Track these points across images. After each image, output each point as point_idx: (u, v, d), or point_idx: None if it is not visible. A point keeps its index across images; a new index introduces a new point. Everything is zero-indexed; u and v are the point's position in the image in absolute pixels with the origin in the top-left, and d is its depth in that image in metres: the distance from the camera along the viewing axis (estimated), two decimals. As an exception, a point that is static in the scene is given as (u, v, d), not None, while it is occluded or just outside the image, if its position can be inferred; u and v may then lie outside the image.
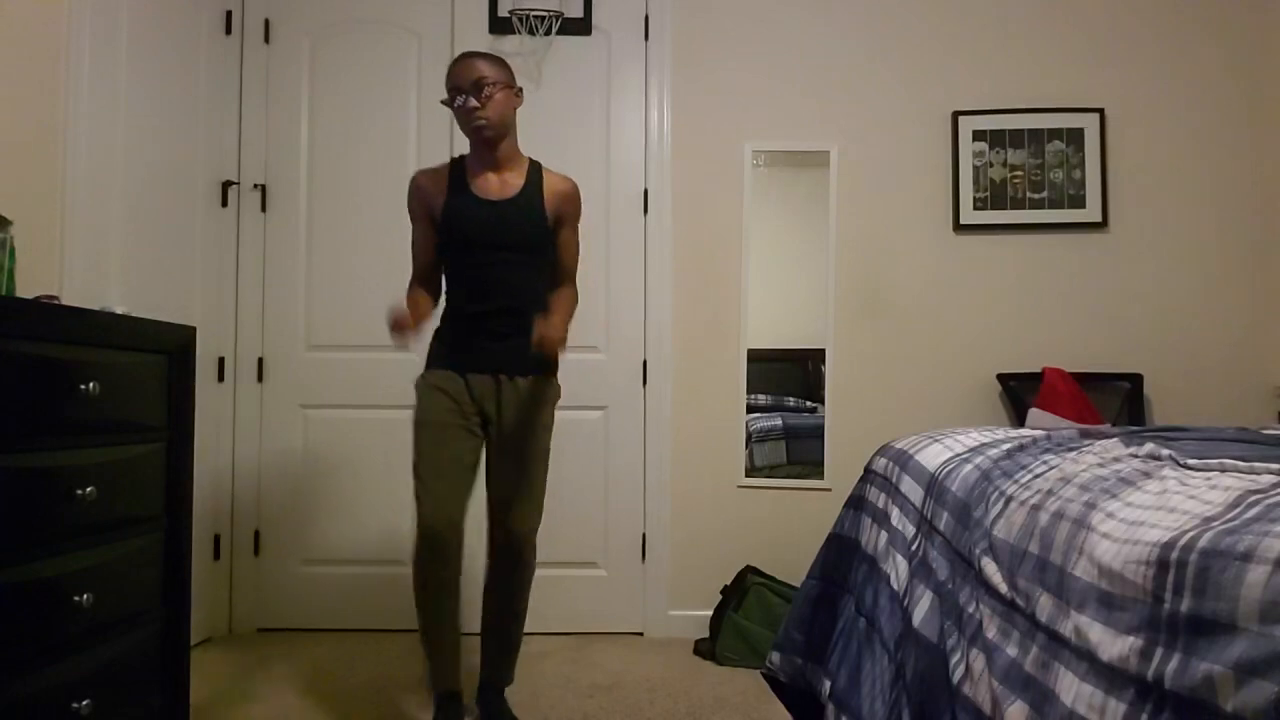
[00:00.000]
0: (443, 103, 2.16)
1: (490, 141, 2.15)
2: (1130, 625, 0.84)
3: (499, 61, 2.16)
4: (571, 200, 2.24)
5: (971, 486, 1.38)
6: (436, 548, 2.12)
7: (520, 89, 2.21)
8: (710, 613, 3.03)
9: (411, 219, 2.25)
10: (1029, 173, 3.18)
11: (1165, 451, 1.19)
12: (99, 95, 2.49)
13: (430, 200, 2.20)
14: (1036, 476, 1.24)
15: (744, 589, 2.95)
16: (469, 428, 2.19)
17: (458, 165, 2.22)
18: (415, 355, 3.20)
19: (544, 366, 2.24)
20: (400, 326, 2.00)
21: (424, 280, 2.26)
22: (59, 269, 2.34)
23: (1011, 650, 1.07)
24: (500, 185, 2.18)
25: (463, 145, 3.22)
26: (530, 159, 2.26)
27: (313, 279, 3.25)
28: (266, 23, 3.25)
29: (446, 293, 2.26)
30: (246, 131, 3.24)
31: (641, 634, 3.19)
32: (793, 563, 2.84)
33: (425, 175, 2.23)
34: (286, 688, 2.59)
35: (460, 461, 2.16)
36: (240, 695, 2.52)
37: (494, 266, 2.16)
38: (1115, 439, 1.37)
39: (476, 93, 2.09)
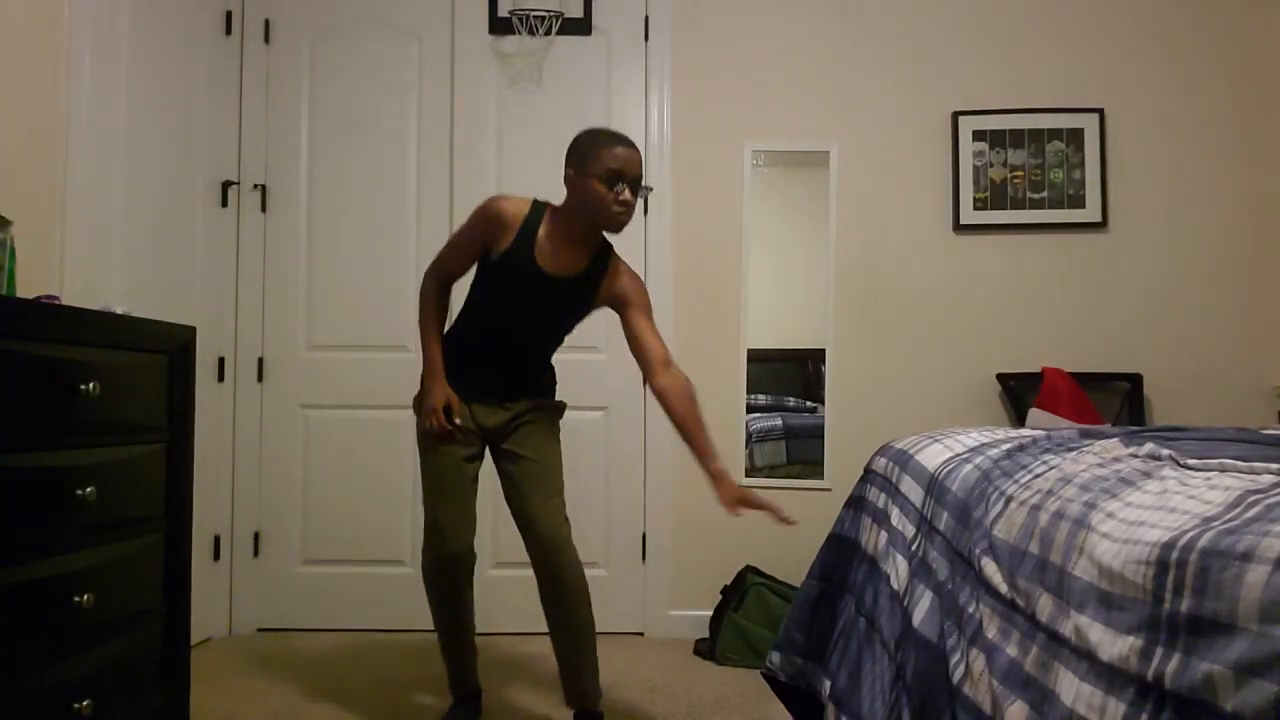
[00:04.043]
0: (589, 177, 1.99)
1: (604, 232, 2.09)
2: (1130, 625, 0.84)
3: None
4: (634, 289, 2.13)
5: (971, 486, 1.38)
6: (442, 572, 2.22)
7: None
8: (710, 613, 3.03)
9: (469, 226, 2.12)
10: (1029, 173, 3.18)
11: (1165, 451, 1.19)
12: (99, 95, 2.49)
13: (498, 235, 2.07)
14: (1036, 476, 1.24)
15: (744, 589, 2.95)
16: (474, 460, 2.20)
17: (536, 213, 2.09)
18: (414, 355, 3.20)
19: (545, 390, 2.26)
20: (435, 415, 2.10)
21: (445, 283, 2.22)
22: (59, 269, 2.34)
23: (1011, 650, 1.07)
24: (564, 261, 2.08)
25: (461, 152, 3.25)
26: (604, 239, 2.13)
27: (313, 279, 3.25)
28: (266, 23, 3.25)
29: (464, 322, 2.23)
30: (246, 131, 3.24)
31: (641, 634, 3.19)
32: (793, 563, 2.83)
33: (508, 206, 2.07)
34: (286, 688, 2.59)
35: (469, 495, 2.20)
36: (240, 695, 2.52)
37: (523, 328, 2.17)
38: (1115, 439, 1.37)
39: (634, 191, 2.01)
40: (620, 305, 2.14)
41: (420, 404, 2.18)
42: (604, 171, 1.97)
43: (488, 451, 2.25)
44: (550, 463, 2.19)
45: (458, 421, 2.13)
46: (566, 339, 2.29)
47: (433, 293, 2.20)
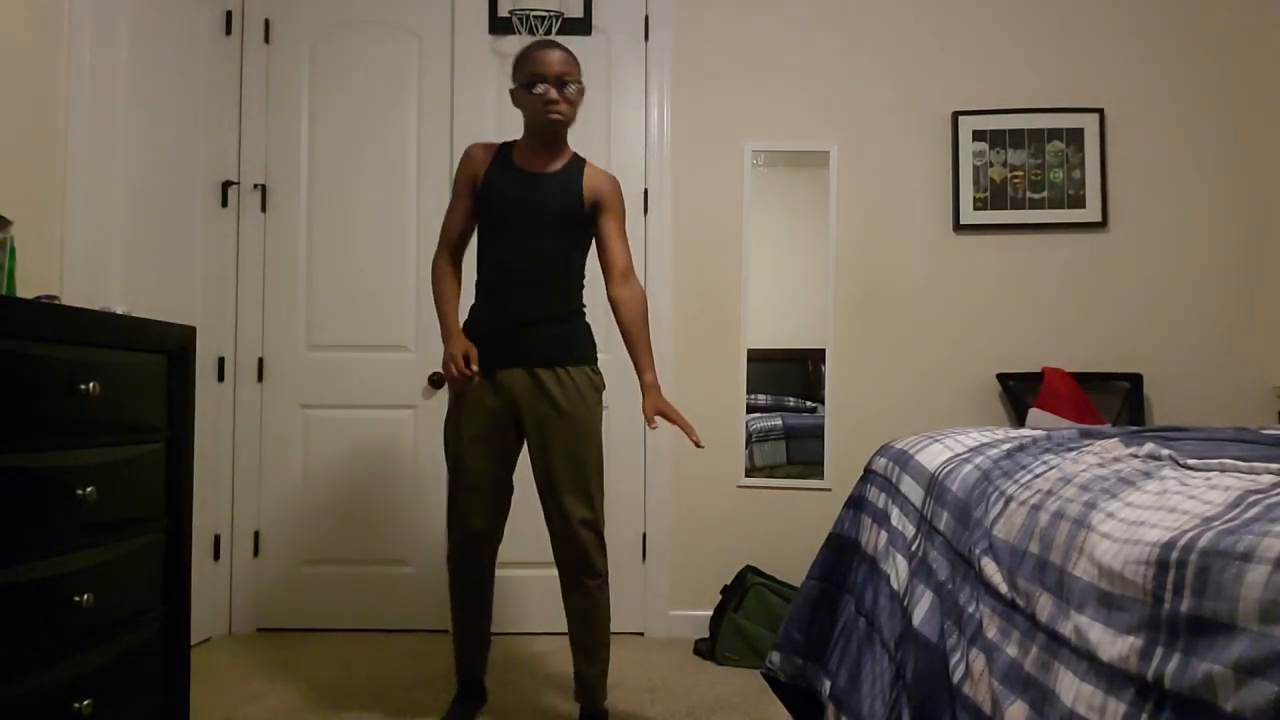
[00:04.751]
0: (524, 88, 2.15)
1: (555, 134, 2.19)
2: (1130, 625, 0.84)
3: (574, 58, 2.18)
4: (608, 186, 2.23)
5: (971, 486, 1.38)
6: (462, 555, 2.23)
7: (584, 86, 2.23)
8: (710, 613, 3.03)
9: (455, 190, 2.28)
10: (1029, 173, 3.18)
11: (1165, 451, 1.19)
12: (99, 95, 2.49)
13: (476, 168, 2.22)
14: (1036, 476, 1.24)
15: (744, 589, 2.95)
16: (499, 440, 2.19)
17: (507, 146, 2.26)
18: (414, 355, 3.21)
19: (579, 356, 2.22)
20: (455, 362, 2.08)
21: (451, 254, 2.26)
22: (59, 269, 2.34)
23: (1011, 650, 1.07)
24: (542, 162, 2.21)
25: (462, 149, 3.24)
26: (575, 153, 2.27)
27: (313, 279, 3.25)
28: (266, 23, 3.25)
29: (479, 276, 2.25)
30: (246, 131, 3.24)
31: (642, 634, 3.19)
32: (793, 563, 2.83)
33: (479, 146, 2.28)
34: (286, 688, 2.59)
35: (487, 476, 2.18)
36: (240, 695, 2.52)
37: (526, 238, 2.17)
38: (1115, 439, 1.37)
39: (559, 86, 2.12)
40: (596, 209, 2.22)
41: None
42: (526, 77, 2.14)
43: (520, 446, 2.25)
44: (586, 458, 2.18)
45: (474, 368, 2.10)
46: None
47: (442, 263, 2.26)
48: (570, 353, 2.20)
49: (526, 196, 2.17)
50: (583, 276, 2.27)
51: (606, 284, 2.22)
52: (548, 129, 2.17)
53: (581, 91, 2.19)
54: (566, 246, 2.21)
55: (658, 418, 2.12)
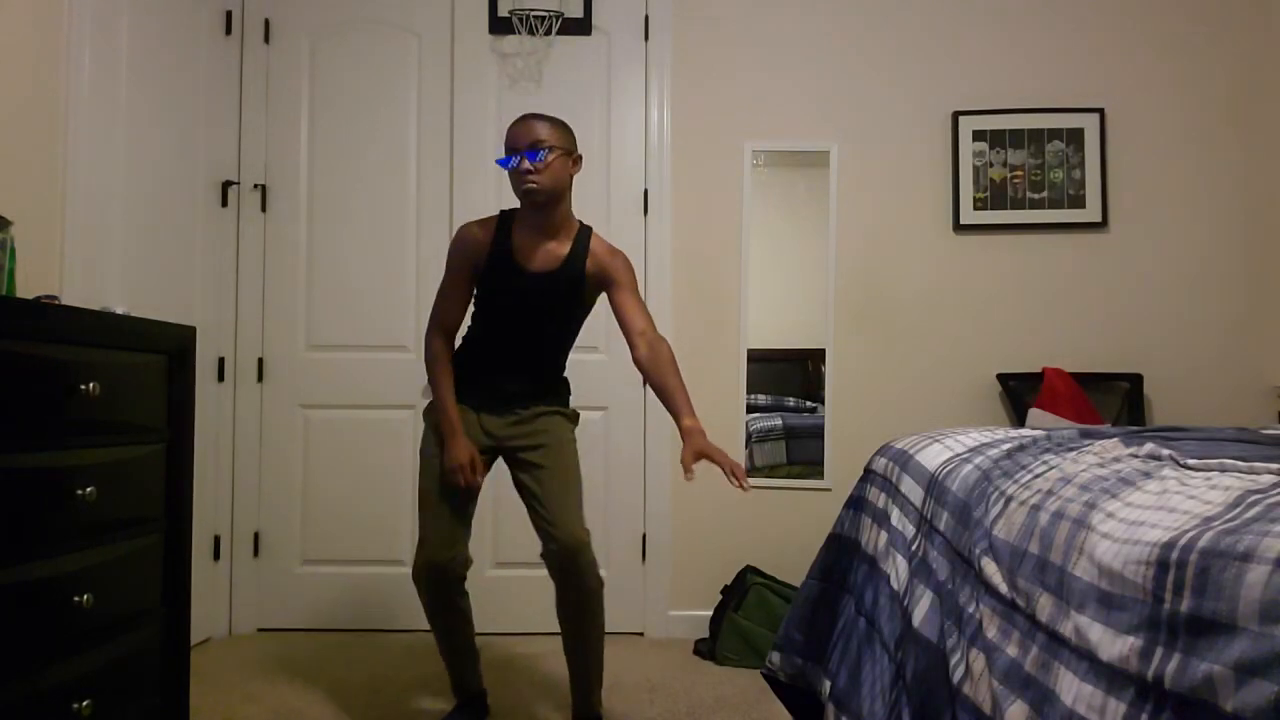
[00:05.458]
0: (497, 163, 2.12)
1: (540, 207, 2.10)
2: (1130, 625, 0.84)
3: (561, 125, 2.11)
4: (613, 264, 2.16)
5: (971, 486, 1.38)
6: (434, 578, 2.18)
7: (579, 156, 2.16)
8: (710, 613, 3.03)
9: (448, 268, 2.19)
10: (1029, 173, 3.18)
11: (1165, 451, 1.19)
12: (99, 95, 2.49)
13: (475, 255, 2.15)
14: (1036, 476, 1.24)
15: (744, 589, 2.95)
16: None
17: (505, 220, 2.17)
18: (414, 355, 3.21)
19: (552, 400, 2.24)
20: (462, 472, 2.09)
21: (447, 337, 2.21)
22: (59, 269, 2.34)
23: (1011, 650, 1.07)
24: (545, 255, 2.14)
25: (461, 152, 3.26)
26: (582, 225, 2.20)
27: (313, 279, 3.25)
28: (266, 23, 3.25)
29: (470, 336, 2.25)
30: (246, 131, 3.24)
31: (641, 634, 3.19)
32: (793, 563, 2.83)
33: (474, 227, 2.18)
34: (286, 688, 2.59)
35: (459, 500, 2.17)
36: (240, 695, 2.52)
37: (523, 332, 2.18)
38: (1115, 439, 1.37)
39: (531, 157, 2.04)
40: (606, 286, 2.18)
41: (441, 451, 2.15)
42: (505, 153, 2.09)
43: (502, 461, 2.25)
44: (568, 473, 2.18)
45: (479, 480, 2.14)
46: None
47: (438, 350, 2.20)
48: (546, 399, 2.22)
49: (528, 299, 2.14)
50: (573, 342, 2.29)
51: (630, 349, 2.16)
52: (527, 202, 2.10)
53: (566, 156, 2.10)
54: (561, 334, 2.24)
55: (699, 462, 1.99)
